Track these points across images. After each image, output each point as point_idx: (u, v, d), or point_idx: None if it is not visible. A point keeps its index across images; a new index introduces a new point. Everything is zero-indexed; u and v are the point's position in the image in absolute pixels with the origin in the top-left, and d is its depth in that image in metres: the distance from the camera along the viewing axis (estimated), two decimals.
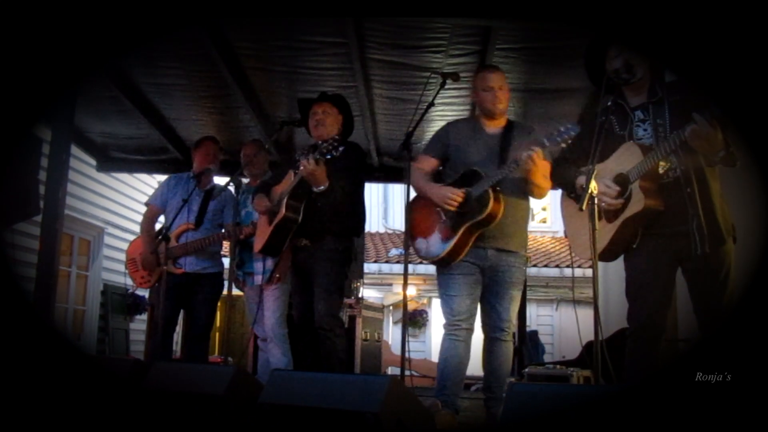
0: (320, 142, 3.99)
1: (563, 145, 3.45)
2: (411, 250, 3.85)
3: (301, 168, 3.97)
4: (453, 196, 3.72)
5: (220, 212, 5.11)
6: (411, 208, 4.03)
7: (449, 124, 4.18)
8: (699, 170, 3.02)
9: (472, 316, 3.86)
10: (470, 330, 3.85)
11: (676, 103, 3.08)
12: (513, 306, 3.87)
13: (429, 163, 4.01)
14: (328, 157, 3.87)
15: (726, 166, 3.01)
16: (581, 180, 3.10)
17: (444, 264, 3.84)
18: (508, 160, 3.70)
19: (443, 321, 3.90)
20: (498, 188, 3.70)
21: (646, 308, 3.08)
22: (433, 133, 6.10)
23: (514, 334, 4.01)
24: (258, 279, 4.84)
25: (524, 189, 3.90)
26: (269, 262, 4.69)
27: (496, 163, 3.80)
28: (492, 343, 3.88)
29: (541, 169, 3.63)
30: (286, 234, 4.17)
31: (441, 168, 4.01)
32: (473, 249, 3.78)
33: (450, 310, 3.83)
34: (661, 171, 3.03)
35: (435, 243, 3.84)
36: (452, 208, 3.74)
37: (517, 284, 3.89)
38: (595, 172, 2.81)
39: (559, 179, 3.47)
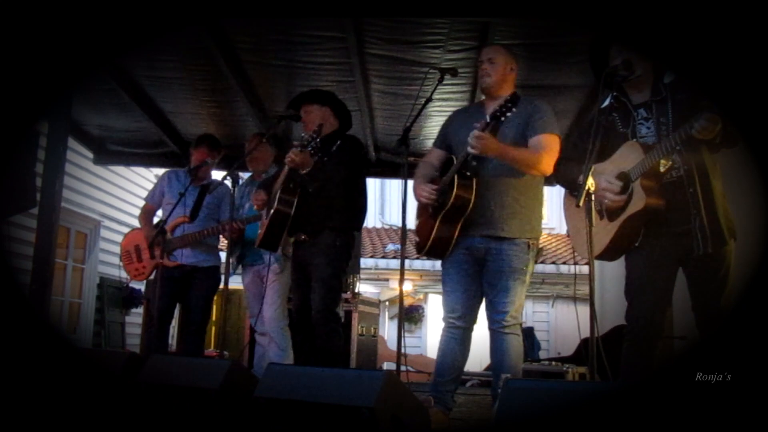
0: (302, 134, 4.04)
1: (502, 118, 3.37)
2: (407, 246, 3.82)
3: (287, 160, 4.01)
4: (425, 194, 3.67)
5: (216, 207, 5.09)
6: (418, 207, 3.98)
7: (454, 112, 4.09)
8: (702, 169, 3.01)
9: (470, 312, 3.67)
10: (467, 328, 3.68)
11: (681, 101, 3.06)
12: (509, 297, 3.54)
13: (435, 155, 3.92)
14: (309, 149, 3.89)
15: (728, 148, 2.97)
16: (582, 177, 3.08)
17: (437, 258, 3.77)
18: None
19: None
20: (468, 173, 3.53)
21: (645, 308, 3.05)
22: (430, 128, 6.13)
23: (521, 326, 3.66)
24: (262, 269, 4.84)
25: (515, 171, 3.61)
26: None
27: None
28: (491, 335, 3.62)
29: (492, 145, 3.42)
30: (282, 228, 4.17)
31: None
32: (463, 239, 3.62)
33: (444, 306, 3.73)
34: (662, 169, 2.99)
35: (422, 238, 3.76)
36: (432, 203, 3.66)
37: (510, 273, 3.55)
38: (591, 170, 2.80)
39: (562, 177, 3.43)
